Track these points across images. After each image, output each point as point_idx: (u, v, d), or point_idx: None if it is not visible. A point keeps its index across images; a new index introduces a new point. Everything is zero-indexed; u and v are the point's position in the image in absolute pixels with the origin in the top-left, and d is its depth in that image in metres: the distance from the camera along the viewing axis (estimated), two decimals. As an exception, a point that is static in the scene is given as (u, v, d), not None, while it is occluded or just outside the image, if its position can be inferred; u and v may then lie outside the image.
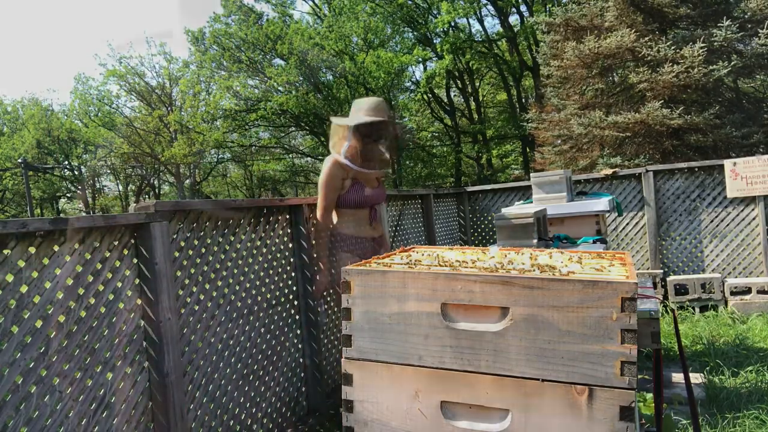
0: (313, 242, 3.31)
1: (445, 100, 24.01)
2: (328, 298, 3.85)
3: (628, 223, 6.44)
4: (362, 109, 3.12)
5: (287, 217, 3.70)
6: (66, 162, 31.60)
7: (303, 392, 3.72)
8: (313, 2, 22.99)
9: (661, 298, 5.85)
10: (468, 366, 1.32)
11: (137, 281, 2.46)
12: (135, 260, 2.47)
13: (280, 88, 20.12)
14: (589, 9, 9.76)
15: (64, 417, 2.20)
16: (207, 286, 2.81)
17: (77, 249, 2.30)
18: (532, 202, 4.37)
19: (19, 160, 25.92)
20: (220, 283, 2.91)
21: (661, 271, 6.08)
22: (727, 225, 6.03)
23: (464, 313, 1.34)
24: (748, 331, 4.82)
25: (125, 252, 2.50)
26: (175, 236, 2.64)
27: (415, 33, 21.38)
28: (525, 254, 1.72)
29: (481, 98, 24.11)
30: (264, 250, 3.42)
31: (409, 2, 20.45)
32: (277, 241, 3.57)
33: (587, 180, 6.57)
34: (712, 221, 6.10)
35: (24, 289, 2.11)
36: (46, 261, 2.18)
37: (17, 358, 2.07)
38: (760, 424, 3.06)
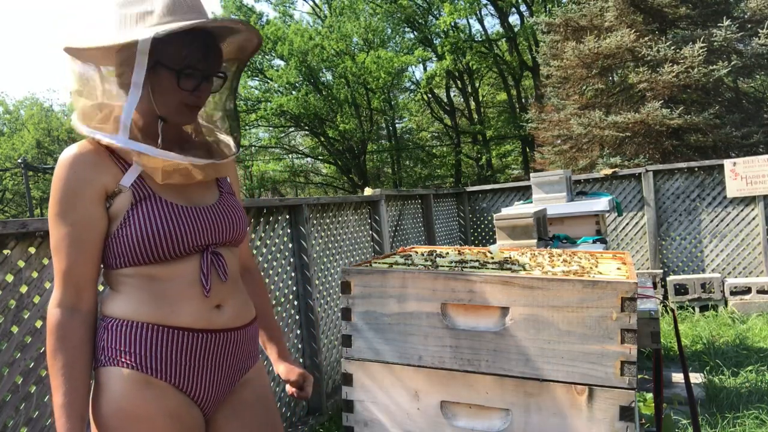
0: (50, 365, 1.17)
1: (445, 101, 24.01)
2: None
3: (628, 223, 6.44)
4: (156, 11, 1.18)
5: (287, 217, 3.70)
6: (66, 162, 31.58)
7: (303, 392, 3.72)
8: (313, 2, 23.00)
9: (661, 298, 5.85)
10: (468, 366, 1.33)
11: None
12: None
13: (280, 89, 20.13)
14: (588, 9, 9.75)
15: (64, 417, 2.20)
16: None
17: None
18: (532, 202, 4.37)
19: (19, 160, 25.91)
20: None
21: (661, 271, 6.08)
22: (727, 225, 6.03)
23: (464, 313, 1.34)
24: (748, 331, 4.82)
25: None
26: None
27: (415, 33, 21.39)
28: (525, 254, 1.72)
29: (480, 98, 24.10)
30: (264, 250, 3.43)
31: (410, 2, 20.45)
32: (276, 241, 3.57)
33: (587, 180, 6.57)
34: (712, 221, 6.10)
35: (24, 289, 2.11)
36: (46, 261, 2.18)
37: (17, 358, 2.07)
38: (760, 423, 3.07)
